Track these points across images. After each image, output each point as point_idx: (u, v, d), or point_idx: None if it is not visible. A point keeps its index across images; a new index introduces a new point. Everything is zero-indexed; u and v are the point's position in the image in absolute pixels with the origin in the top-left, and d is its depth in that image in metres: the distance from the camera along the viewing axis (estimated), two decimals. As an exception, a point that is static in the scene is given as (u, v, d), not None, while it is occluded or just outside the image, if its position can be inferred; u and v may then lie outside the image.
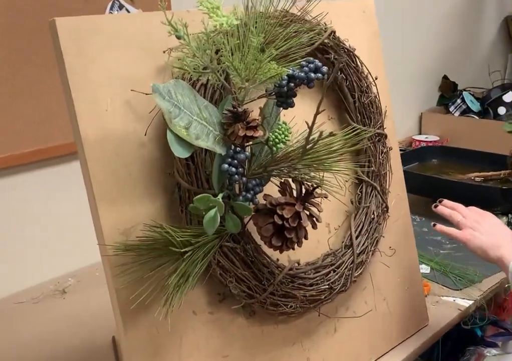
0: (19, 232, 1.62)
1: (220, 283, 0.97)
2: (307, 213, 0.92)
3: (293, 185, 0.94)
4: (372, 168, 1.17)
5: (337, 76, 1.12)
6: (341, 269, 1.10)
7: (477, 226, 1.17)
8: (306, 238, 0.94)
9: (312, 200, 0.93)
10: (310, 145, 0.86)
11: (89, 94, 0.87)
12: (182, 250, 0.80)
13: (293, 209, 0.90)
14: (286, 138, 0.85)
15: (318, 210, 0.93)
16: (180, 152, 0.78)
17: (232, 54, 0.84)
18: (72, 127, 0.87)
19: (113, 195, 0.88)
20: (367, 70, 1.17)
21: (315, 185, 0.93)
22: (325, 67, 0.86)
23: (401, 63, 2.60)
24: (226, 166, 0.84)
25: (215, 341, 1.00)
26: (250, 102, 0.89)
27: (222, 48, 0.85)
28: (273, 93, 0.88)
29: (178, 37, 0.81)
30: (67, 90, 0.85)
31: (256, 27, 0.87)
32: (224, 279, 0.96)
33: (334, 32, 1.11)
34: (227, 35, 0.84)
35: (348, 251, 1.13)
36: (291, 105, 0.88)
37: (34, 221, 1.63)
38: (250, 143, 0.85)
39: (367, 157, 1.17)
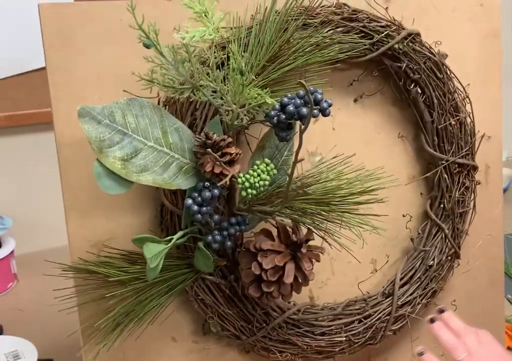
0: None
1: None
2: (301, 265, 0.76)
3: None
4: (442, 206, 0.94)
5: (409, 89, 0.89)
6: (370, 320, 0.92)
7: None
8: (297, 292, 0.78)
9: (309, 251, 0.77)
10: (290, 195, 0.69)
11: (72, 92, 0.77)
12: (106, 295, 0.70)
13: (274, 261, 0.74)
14: (261, 182, 0.68)
15: (310, 264, 0.76)
16: (111, 187, 0.66)
17: (213, 72, 0.68)
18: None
19: (88, 203, 0.80)
20: (460, 83, 0.92)
21: (311, 235, 0.77)
22: (328, 102, 0.67)
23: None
24: (189, 202, 0.71)
25: (196, 372, 0.90)
26: (239, 126, 0.73)
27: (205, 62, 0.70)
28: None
29: (147, 46, 0.67)
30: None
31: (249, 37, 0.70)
32: (204, 313, 0.85)
33: (415, 34, 0.87)
34: (214, 47, 0.69)
35: (386, 300, 0.94)
36: (286, 138, 0.71)
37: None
38: (224, 180, 0.70)
39: (440, 191, 0.94)
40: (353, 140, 0.92)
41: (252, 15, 0.80)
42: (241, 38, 0.74)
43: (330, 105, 0.67)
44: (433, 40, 0.91)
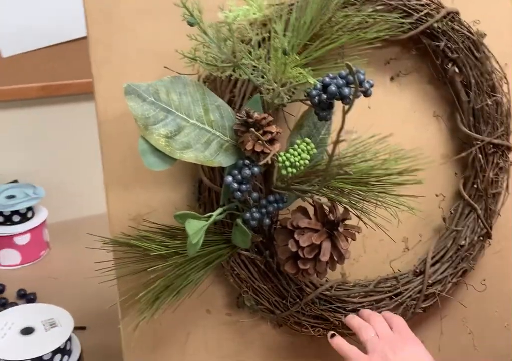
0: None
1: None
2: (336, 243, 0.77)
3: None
4: (475, 186, 0.94)
5: (447, 68, 0.89)
6: (401, 298, 0.93)
7: (389, 356, 0.77)
8: (332, 269, 0.80)
9: (346, 229, 0.78)
10: (329, 175, 0.70)
11: (113, 68, 0.78)
12: (148, 270, 0.72)
13: (311, 239, 0.76)
14: (301, 161, 0.69)
15: (346, 243, 0.77)
16: (155, 164, 0.67)
17: (256, 50, 0.69)
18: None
19: (127, 177, 0.82)
20: (498, 63, 0.91)
21: (347, 214, 0.78)
22: (370, 82, 0.67)
23: None
24: (229, 179, 0.72)
25: (229, 343, 0.93)
26: (279, 105, 0.74)
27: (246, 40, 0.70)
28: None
29: (191, 24, 0.68)
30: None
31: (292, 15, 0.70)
32: (239, 287, 0.86)
33: (455, 13, 0.86)
34: (256, 25, 0.69)
35: (418, 278, 0.95)
36: (326, 118, 0.71)
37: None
38: (265, 159, 0.70)
39: (474, 171, 0.94)
40: (389, 118, 0.92)
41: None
42: (281, 15, 0.74)
43: (372, 85, 0.67)
44: (471, 18, 0.90)
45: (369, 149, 0.78)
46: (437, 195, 0.96)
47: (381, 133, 0.85)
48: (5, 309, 1.24)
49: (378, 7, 0.81)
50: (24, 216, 1.47)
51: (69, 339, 1.03)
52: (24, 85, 1.44)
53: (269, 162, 0.68)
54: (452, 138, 0.96)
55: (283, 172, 0.69)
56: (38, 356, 0.97)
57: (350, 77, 0.67)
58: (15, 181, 1.57)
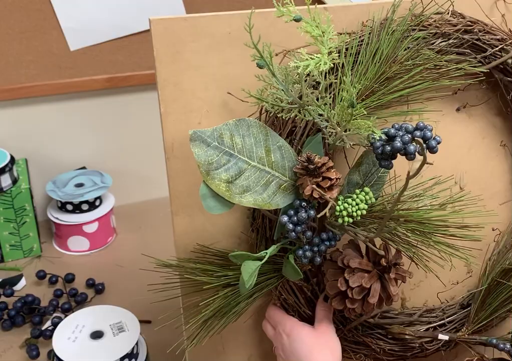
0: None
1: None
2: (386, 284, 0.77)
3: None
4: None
5: (517, 105, 0.86)
6: (445, 329, 0.93)
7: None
8: (379, 308, 0.80)
9: (397, 274, 0.77)
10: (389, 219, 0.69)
11: (181, 105, 0.78)
12: (200, 304, 0.73)
13: (361, 281, 0.76)
14: (358, 211, 0.68)
15: (396, 288, 0.77)
16: (214, 208, 0.67)
17: (322, 95, 0.68)
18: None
19: (191, 206, 0.82)
20: None
21: (400, 257, 0.77)
22: (437, 139, 0.65)
23: None
24: (285, 219, 0.72)
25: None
26: (336, 146, 0.73)
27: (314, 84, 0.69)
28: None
29: (260, 66, 0.67)
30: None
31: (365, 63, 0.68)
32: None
33: (533, 49, 0.83)
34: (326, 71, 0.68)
35: (464, 311, 0.94)
36: (387, 167, 0.70)
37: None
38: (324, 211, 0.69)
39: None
40: (455, 145, 0.90)
41: (363, 23, 0.78)
42: (351, 56, 0.72)
43: (439, 142, 0.65)
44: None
45: (428, 192, 0.78)
46: (493, 229, 0.94)
47: (448, 159, 0.84)
48: (75, 299, 1.26)
49: (450, 41, 0.79)
50: (92, 205, 1.47)
51: (136, 343, 1.03)
52: (91, 77, 1.47)
53: (328, 213, 0.67)
54: (516, 168, 0.94)
55: (340, 220, 0.69)
56: (108, 362, 0.98)
57: (417, 133, 0.65)
58: (84, 168, 1.59)
